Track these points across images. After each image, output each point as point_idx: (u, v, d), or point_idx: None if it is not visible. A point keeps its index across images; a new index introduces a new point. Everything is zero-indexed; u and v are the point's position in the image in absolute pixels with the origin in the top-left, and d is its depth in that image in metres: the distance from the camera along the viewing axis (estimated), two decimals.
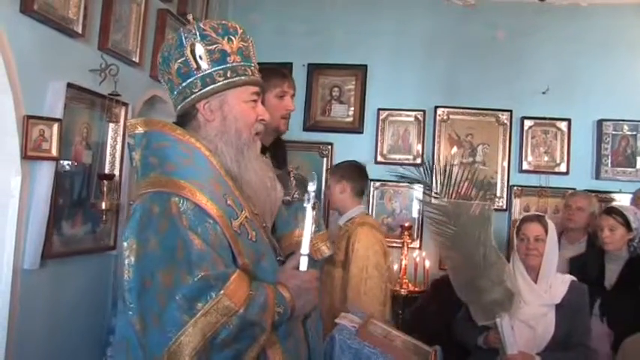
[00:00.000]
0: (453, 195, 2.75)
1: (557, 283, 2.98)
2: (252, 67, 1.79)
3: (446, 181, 2.77)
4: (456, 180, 2.77)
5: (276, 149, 2.71)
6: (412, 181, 3.01)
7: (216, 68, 1.71)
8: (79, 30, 3.15)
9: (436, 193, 2.80)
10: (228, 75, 1.72)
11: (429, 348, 3.20)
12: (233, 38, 1.73)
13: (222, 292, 1.47)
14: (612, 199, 4.74)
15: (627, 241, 3.51)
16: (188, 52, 1.70)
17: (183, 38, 1.71)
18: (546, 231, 3.01)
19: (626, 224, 3.48)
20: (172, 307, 1.45)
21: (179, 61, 1.71)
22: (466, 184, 2.79)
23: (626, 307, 3.24)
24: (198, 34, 1.70)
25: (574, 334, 2.91)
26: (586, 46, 5.04)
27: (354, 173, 3.58)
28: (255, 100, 1.78)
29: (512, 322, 2.83)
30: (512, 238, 3.08)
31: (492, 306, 2.77)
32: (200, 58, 1.70)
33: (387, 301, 3.53)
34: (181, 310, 1.45)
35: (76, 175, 3.26)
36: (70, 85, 3.06)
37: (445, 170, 2.78)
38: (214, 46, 1.70)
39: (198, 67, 1.70)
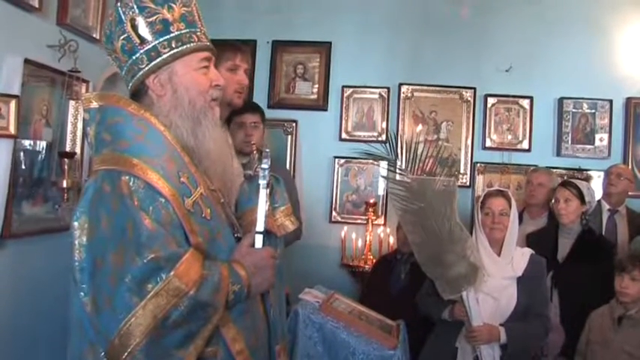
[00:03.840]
0: (418, 172, 2.77)
1: (518, 256, 3.05)
2: (199, 33, 1.71)
3: (411, 158, 2.78)
4: (420, 157, 2.79)
5: None
6: (377, 158, 3.02)
7: (160, 40, 1.64)
8: (36, 4, 3.06)
9: (400, 169, 2.81)
10: (173, 45, 1.65)
11: (393, 322, 3.25)
12: (173, 5, 1.65)
13: (172, 273, 1.44)
14: (573, 176, 4.80)
15: (580, 215, 3.60)
16: (129, 27, 1.63)
17: (121, 13, 1.64)
18: (510, 205, 3.07)
19: (580, 197, 3.57)
20: (122, 289, 1.42)
21: (122, 37, 1.65)
22: (431, 160, 2.81)
23: (577, 280, 3.35)
24: (136, 6, 1.63)
25: (534, 305, 2.99)
26: (548, 25, 5.07)
27: None
28: (206, 67, 1.72)
29: (477, 295, 2.88)
30: (477, 213, 3.12)
31: (458, 280, 2.81)
32: (142, 31, 1.63)
33: None
34: (131, 292, 1.42)
35: (35, 153, 3.19)
36: (27, 61, 2.98)
37: (410, 147, 2.79)
38: (155, 16, 1.63)
39: (142, 42, 1.64)
